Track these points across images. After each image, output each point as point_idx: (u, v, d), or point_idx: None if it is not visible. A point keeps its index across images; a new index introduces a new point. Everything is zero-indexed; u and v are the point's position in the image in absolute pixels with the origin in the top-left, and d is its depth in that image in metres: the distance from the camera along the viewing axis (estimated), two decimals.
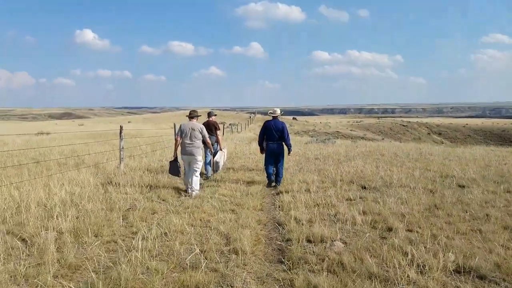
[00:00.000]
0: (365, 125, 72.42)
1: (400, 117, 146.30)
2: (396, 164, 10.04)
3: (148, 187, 6.97)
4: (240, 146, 16.03)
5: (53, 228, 4.48)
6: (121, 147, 8.87)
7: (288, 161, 11.05)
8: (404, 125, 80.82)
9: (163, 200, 6.33)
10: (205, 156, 8.50)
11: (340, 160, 11.00)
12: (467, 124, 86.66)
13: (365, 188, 6.97)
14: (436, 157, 12.12)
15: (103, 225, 4.67)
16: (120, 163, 8.83)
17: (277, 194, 6.86)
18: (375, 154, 12.92)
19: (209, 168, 8.71)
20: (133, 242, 4.11)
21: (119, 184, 6.99)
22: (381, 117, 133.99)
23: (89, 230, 4.40)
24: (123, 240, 4.34)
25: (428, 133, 78.67)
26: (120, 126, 9.27)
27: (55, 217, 4.74)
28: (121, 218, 5.02)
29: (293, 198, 6.11)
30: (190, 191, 6.71)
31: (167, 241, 4.26)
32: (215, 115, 9.09)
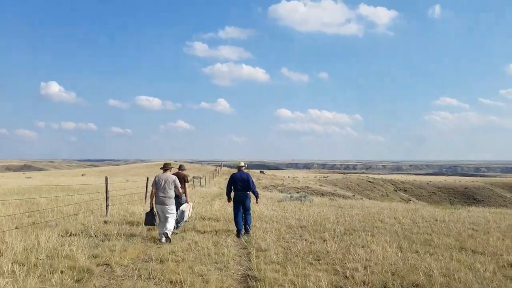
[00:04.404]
0: (333, 180, 70.91)
1: (363, 173, 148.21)
2: (418, 240, 7.14)
3: None
4: (199, 206, 12.53)
5: None
6: None
7: (265, 232, 7.85)
8: (370, 182, 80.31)
9: None
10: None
11: (338, 232, 7.92)
12: (430, 181, 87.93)
13: None
14: (447, 224, 9.50)
15: None
16: None
17: None
18: (373, 219, 10.08)
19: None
20: None
21: None
22: (345, 172, 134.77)
23: None
24: None
25: (395, 190, 78.36)
26: None
27: None
28: None
29: None
30: (164, 235, 6.82)
31: None
32: (185, 169, 9.27)
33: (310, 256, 5.83)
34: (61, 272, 4.65)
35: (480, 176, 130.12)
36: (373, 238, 7.20)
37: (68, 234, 7.06)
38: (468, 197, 67.33)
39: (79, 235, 7.03)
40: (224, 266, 5.29)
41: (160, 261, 5.46)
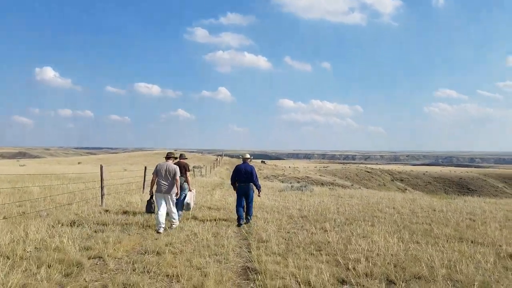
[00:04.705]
0: (332, 170, 70.96)
1: (361, 163, 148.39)
2: (418, 230, 6.95)
3: None
4: (199, 196, 12.27)
5: None
6: None
7: (266, 222, 7.64)
8: (368, 172, 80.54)
9: None
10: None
11: (339, 222, 7.73)
12: (426, 171, 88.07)
13: None
14: (445, 214, 9.34)
15: None
16: None
17: None
18: (372, 209, 9.90)
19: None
20: None
21: None
22: (344, 163, 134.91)
23: None
24: None
25: (392, 180, 78.63)
26: None
27: None
28: None
29: None
30: (164, 226, 6.81)
31: None
32: (186, 158, 8.87)
33: (312, 247, 5.63)
34: (49, 266, 4.39)
35: (475, 167, 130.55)
36: (374, 228, 7.02)
37: (60, 224, 6.80)
38: (462, 187, 67.69)
39: (71, 225, 6.78)
40: (224, 258, 5.06)
41: (157, 253, 5.20)
